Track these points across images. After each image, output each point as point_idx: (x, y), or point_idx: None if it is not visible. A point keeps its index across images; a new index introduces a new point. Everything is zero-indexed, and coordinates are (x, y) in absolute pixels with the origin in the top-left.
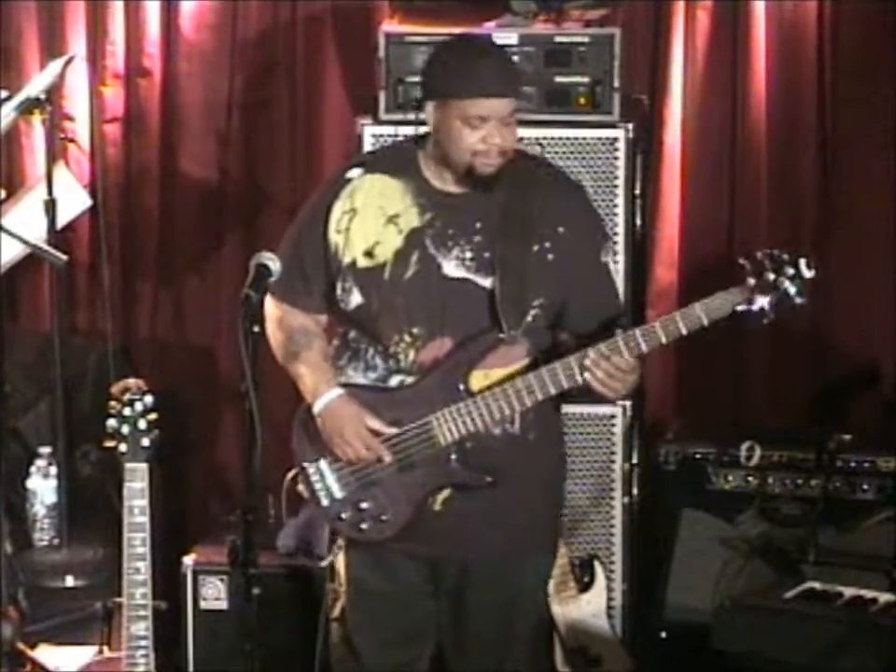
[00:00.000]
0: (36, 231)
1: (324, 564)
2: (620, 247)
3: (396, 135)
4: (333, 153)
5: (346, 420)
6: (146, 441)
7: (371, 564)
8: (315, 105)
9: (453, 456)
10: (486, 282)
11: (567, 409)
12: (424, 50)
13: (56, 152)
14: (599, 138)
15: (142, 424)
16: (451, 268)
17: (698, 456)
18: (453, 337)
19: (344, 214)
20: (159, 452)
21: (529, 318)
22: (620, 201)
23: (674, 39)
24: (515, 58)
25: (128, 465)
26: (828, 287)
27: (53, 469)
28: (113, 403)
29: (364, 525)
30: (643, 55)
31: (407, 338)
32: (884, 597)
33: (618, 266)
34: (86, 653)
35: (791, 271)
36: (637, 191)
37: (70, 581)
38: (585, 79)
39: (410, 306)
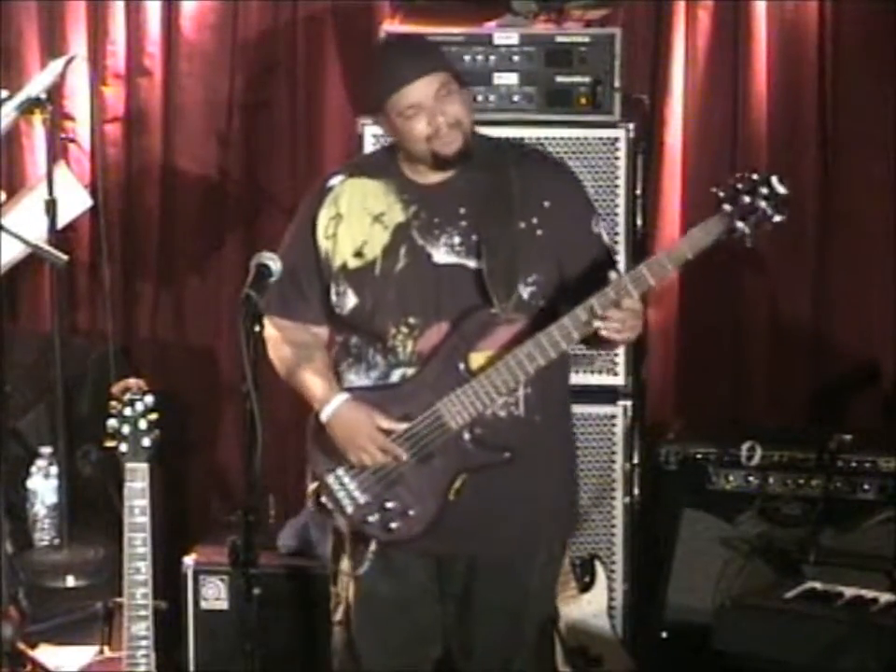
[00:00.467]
0: (37, 231)
1: (360, 572)
2: (620, 247)
3: None
4: (334, 153)
5: (357, 425)
6: (146, 441)
7: (377, 567)
8: (316, 105)
9: (467, 438)
10: (476, 264)
11: None
12: None
13: (57, 152)
14: (600, 138)
15: (142, 424)
16: (441, 255)
17: (699, 456)
18: (449, 321)
19: (331, 220)
20: (159, 452)
21: (525, 296)
22: (620, 201)
23: (675, 39)
24: (516, 58)
25: (128, 465)
26: (828, 286)
27: (54, 469)
28: (113, 403)
29: (393, 525)
30: (644, 55)
31: (404, 329)
32: (885, 597)
33: (618, 266)
34: (86, 653)
35: (764, 190)
36: (638, 191)
37: (71, 582)
38: (586, 79)
39: (403, 298)
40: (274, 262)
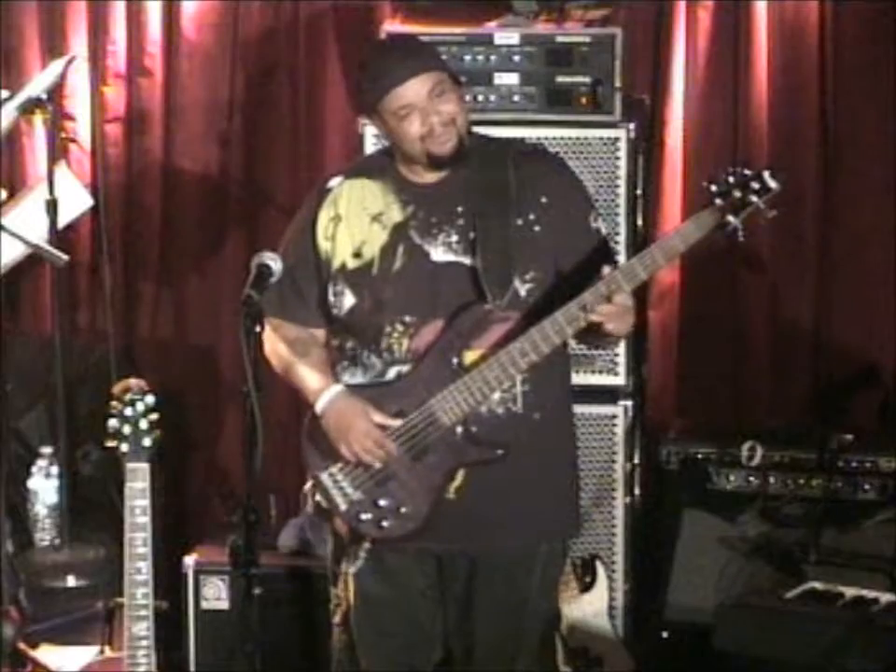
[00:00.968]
0: (38, 231)
1: (353, 570)
2: (621, 247)
3: None
4: (335, 153)
5: (351, 418)
6: (147, 441)
7: (378, 570)
8: (317, 104)
9: (461, 434)
10: (471, 261)
11: None
12: None
13: (57, 152)
14: (601, 138)
15: (143, 424)
16: (439, 254)
17: (700, 456)
18: (444, 318)
19: (330, 221)
20: (160, 452)
21: (522, 293)
22: (621, 201)
23: (675, 39)
24: (516, 58)
25: (129, 465)
26: (829, 286)
27: (54, 469)
28: (114, 403)
29: (385, 523)
30: (644, 55)
31: (399, 327)
32: (885, 598)
33: (618, 261)
34: (87, 653)
35: (756, 185)
36: (639, 191)
37: (71, 581)
38: (587, 79)
39: (400, 296)
40: (275, 262)
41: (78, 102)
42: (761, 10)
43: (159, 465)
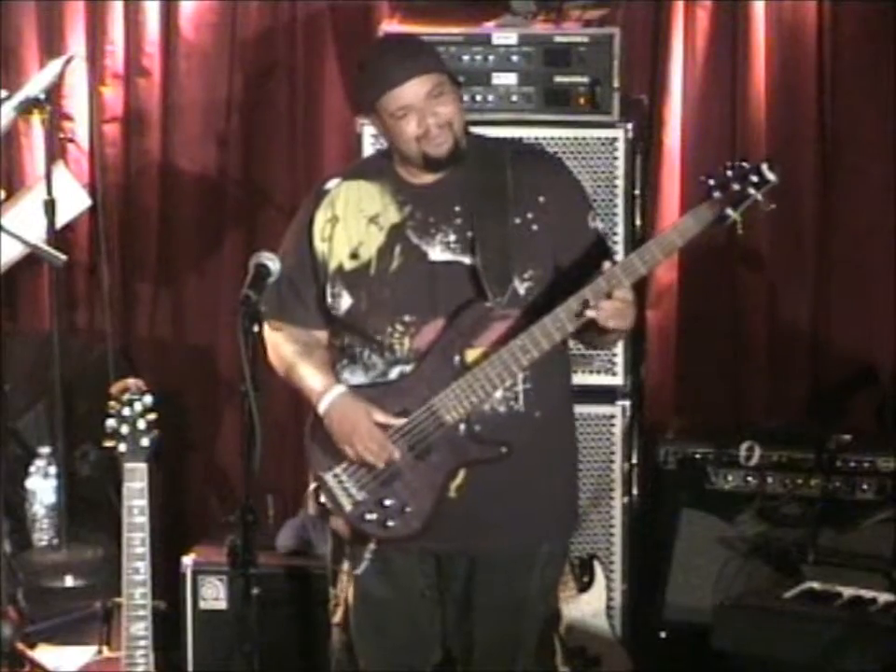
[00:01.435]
0: (36, 231)
1: (358, 572)
2: (619, 247)
3: None
4: (333, 153)
5: (354, 417)
6: (145, 441)
7: (379, 571)
8: (315, 104)
9: (464, 433)
10: (471, 260)
11: None
12: None
13: (55, 152)
14: (599, 138)
15: (141, 424)
16: (436, 253)
17: (698, 456)
18: (445, 317)
19: (327, 223)
20: (158, 452)
21: (521, 291)
22: (619, 201)
23: (673, 39)
24: (514, 58)
25: (127, 465)
26: (827, 285)
27: (53, 469)
28: (112, 403)
29: (390, 523)
30: (643, 55)
31: (399, 327)
32: (883, 597)
33: (616, 259)
34: (85, 653)
35: (755, 178)
36: (637, 191)
37: (69, 581)
38: (585, 79)
39: (397, 296)
40: (273, 262)
41: (76, 102)
42: (759, 10)
43: (157, 465)
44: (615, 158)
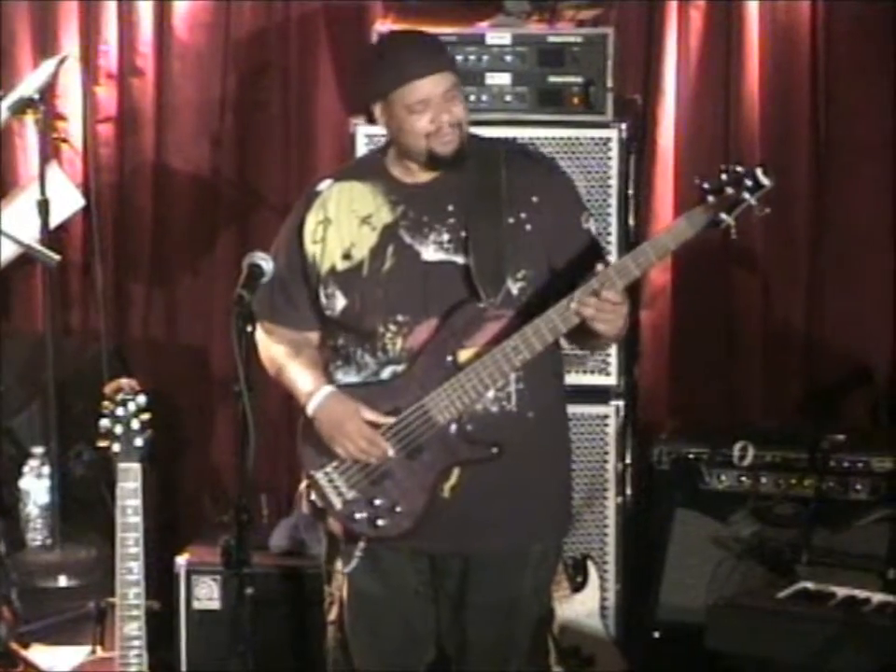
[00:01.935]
0: (29, 231)
1: (348, 570)
2: (612, 247)
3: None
4: (326, 153)
5: (343, 417)
6: (139, 441)
7: (371, 569)
8: (309, 104)
9: (456, 432)
10: (464, 260)
11: None
12: None
13: (49, 152)
14: (592, 138)
15: (135, 424)
16: (430, 253)
17: (691, 456)
18: (438, 317)
19: (319, 224)
20: (152, 452)
21: (514, 291)
22: (613, 201)
23: (667, 39)
24: (508, 58)
25: (121, 465)
26: (821, 286)
27: (46, 469)
28: (106, 403)
29: (380, 522)
30: (636, 55)
31: (392, 327)
32: (877, 597)
33: (609, 261)
34: (79, 653)
35: (749, 182)
36: (631, 191)
37: (63, 582)
38: (578, 79)
39: (391, 296)
40: (266, 262)
41: (70, 102)
42: (752, 10)
43: (150, 465)
44: (609, 158)
